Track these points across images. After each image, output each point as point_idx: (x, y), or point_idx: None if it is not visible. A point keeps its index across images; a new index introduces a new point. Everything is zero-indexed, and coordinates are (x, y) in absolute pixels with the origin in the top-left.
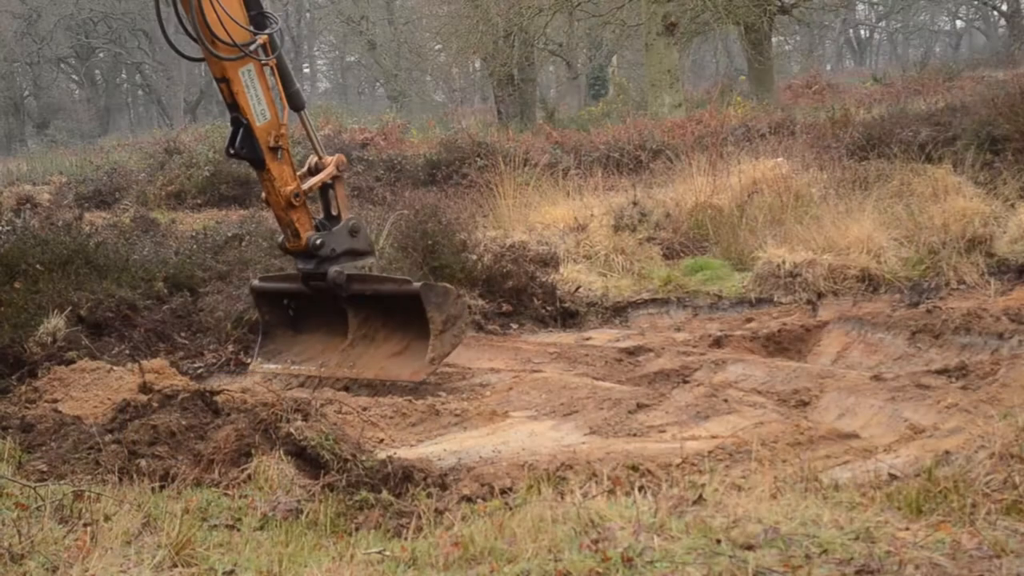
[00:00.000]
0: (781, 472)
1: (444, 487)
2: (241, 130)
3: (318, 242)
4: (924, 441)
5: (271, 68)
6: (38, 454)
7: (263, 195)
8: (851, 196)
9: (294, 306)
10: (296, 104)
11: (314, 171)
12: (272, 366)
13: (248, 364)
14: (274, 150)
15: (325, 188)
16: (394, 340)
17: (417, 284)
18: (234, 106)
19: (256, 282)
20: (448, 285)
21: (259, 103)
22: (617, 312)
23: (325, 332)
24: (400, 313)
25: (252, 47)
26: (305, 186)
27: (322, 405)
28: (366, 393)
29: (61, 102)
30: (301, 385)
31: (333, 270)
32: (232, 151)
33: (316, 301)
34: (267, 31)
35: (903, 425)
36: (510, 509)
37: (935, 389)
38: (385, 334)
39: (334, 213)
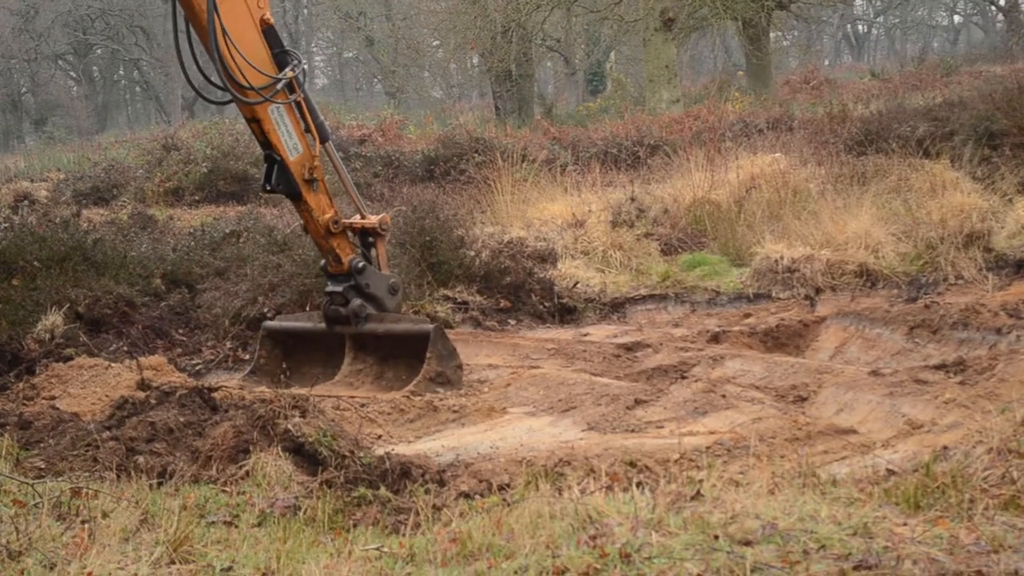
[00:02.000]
0: (779, 468)
1: (442, 483)
2: (276, 166)
3: (360, 265)
4: (922, 436)
5: (298, 103)
6: (36, 451)
7: (302, 225)
8: (849, 191)
9: (289, 372)
10: (322, 136)
11: (358, 229)
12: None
13: (246, 360)
14: (309, 182)
15: (368, 245)
16: (379, 394)
17: (431, 326)
18: (267, 144)
19: (270, 323)
20: (457, 350)
21: (291, 138)
22: (615, 308)
23: (311, 386)
24: (399, 362)
25: (279, 87)
26: (344, 220)
27: (320, 401)
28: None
29: (59, 99)
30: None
31: (357, 302)
32: (268, 187)
33: (317, 351)
34: (291, 70)
35: (901, 420)
36: (508, 505)
37: (933, 384)
38: (371, 388)
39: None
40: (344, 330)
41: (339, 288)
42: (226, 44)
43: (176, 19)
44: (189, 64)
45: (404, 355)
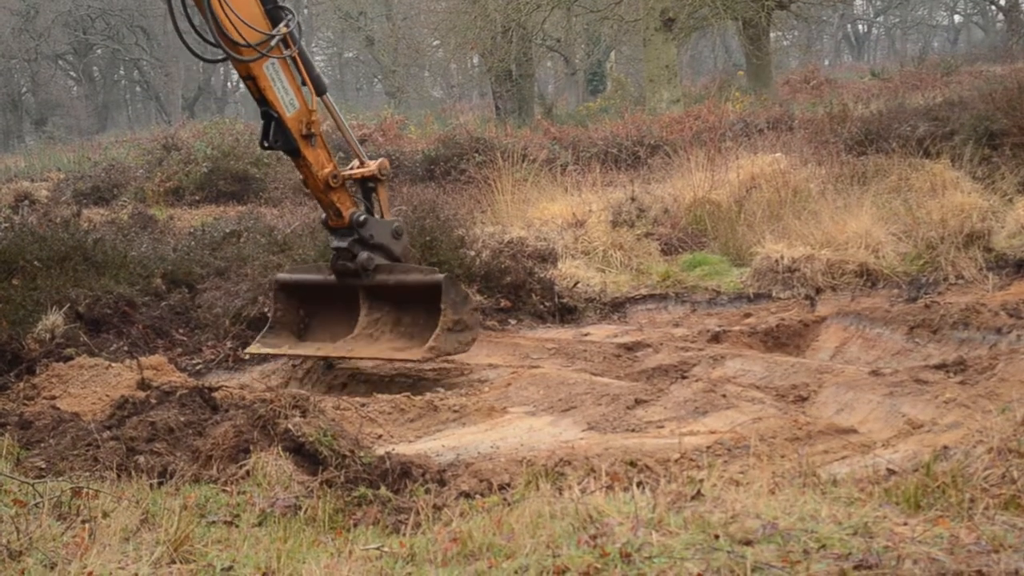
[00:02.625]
0: (779, 467)
1: (442, 483)
2: (273, 123)
3: (361, 219)
4: (922, 436)
5: (293, 58)
6: (36, 451)
7: (302, 179)
8: (849, 191)
9: (307, 319)
10: (319, 89)
11: (357, 178)
12: (267, 350)
13: (246, 360)
14: (307, 137)
15: (368, 191)
16: (398, 342)
17: (441, 276)
18: (263, 101)
19: (282, 275)
20: (470, 294)
21: (287, 94)
22: (615, 308)
23: (331, 338)
24: (415, 307)
25: (273, 43)
26: (344, 172)
27: (320, 401)
28: (364, 390)
29: (59, 98)
30: (299, 380)
31: (364, 255)
32: (266, 144)
33: (331, 302)
34: (285, 26)
35: (901, 420)
36: (508, 505)
37: (933, 384)
38: (391, 336)
39: (377, 216)
40: (355, 283)
41: (344, 243)
42: (219, 1)
43: None
44: (187, 34)
45: (419, 301)
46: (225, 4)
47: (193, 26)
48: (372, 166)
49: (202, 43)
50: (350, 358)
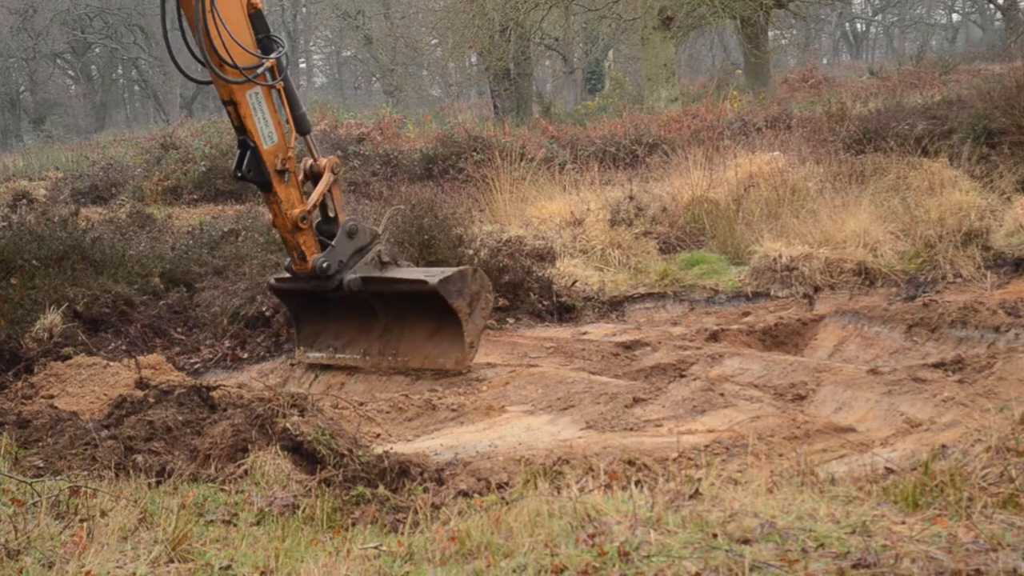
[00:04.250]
0: (777, 466)
1: (440, 482)
2: (248, 153)
3: (324, 265)
4: (920, 435)
5: (278, 91)
6: (34, 450)
7: (270, 218)
8: (847, 190)
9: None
10: (302, 128)
11: (309, 174)
12: (317, 354)
13: (244, 359)
14: (281, 173)
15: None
16: (426, 319)
17: (433, 281)
18: (241, 129)
19: (273, 280)
20: (462, 267)
21: (266, 126)
22: (614, 306)
23: (357, 311)
24: (424, 302)
25: (259, 70)
26: (309, 204)
27: (318, 400)
28: (362, 388)
29: (57, 97)
30: (297, 379)
31: (348, 279)
32: (239, 174)
33: (334, 307)
34: (274, 55)
35: (899, 419)
36: (506, 504)
37: (931, 383)
38: (416, 314)
39: (331, 215)
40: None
41: (323, 284)
42: (213, 19)
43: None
44: (175, 42)
45: (423, 301)
46: (219, 21)
47: (186, 41)
48: (325, 168)
49: (191, 61)
50: (398, 369)
